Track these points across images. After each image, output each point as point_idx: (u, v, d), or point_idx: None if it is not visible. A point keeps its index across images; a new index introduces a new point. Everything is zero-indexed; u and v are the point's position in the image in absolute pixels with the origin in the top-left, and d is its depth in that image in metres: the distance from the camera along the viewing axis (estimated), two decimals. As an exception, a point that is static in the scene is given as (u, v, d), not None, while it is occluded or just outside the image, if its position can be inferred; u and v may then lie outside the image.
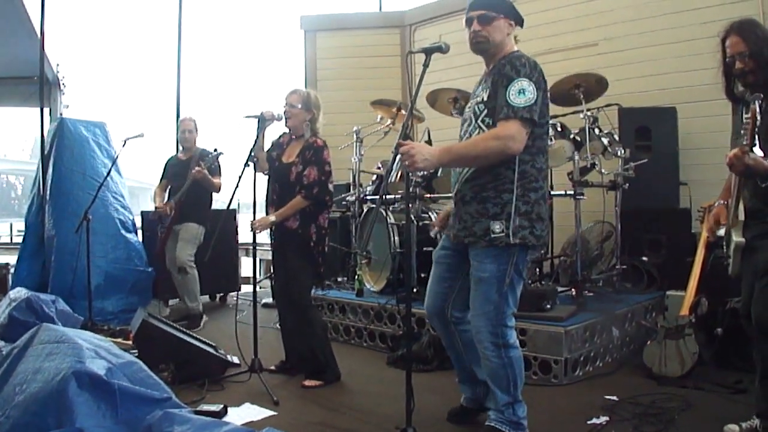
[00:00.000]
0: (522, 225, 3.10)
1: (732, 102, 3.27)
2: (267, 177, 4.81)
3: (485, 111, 3.17)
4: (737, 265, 3.19)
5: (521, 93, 3.01)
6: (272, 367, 4.81)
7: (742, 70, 3.06)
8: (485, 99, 3.19)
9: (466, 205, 3.23)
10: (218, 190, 6.51)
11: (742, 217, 3.15)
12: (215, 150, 6.13)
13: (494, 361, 3.20)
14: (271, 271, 5.12)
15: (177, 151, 7.35)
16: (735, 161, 2.83)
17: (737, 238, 3.14)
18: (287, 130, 4.80)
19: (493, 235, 3.10)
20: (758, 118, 2.84)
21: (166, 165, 6.98)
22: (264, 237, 4.94)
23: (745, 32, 3.04)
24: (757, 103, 2.85)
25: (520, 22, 3.32)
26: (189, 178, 6.32)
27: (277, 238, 4.68)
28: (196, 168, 6.21)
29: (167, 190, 6.82)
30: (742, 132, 2.83)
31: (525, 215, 3.11)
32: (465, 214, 3.23)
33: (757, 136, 2.84)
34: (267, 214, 4.68)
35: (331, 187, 4.60)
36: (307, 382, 4.50)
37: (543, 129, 3.19)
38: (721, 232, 3.33)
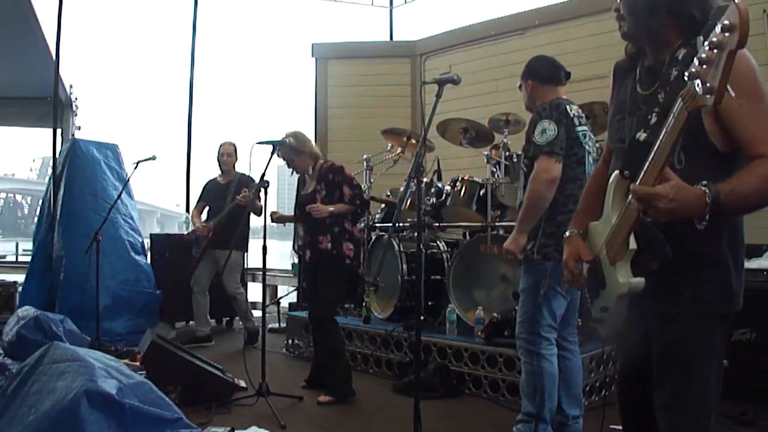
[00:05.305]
0: (546, 243, 3.47)
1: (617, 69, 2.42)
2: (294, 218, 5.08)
3: (522, 154, 3.71)
4: (617, 323, 2.08)
5: (543, 132, 3.46)
6: (303, 383, 5.01)
7: (617, 12, 2.17)
8: (525, 145, 3.70)
9: None
10: (260, 213, 6.64)
11: (633, 245, 1.95)
12: (262, 177, 6.25)
13: (526, 367, 3.56)
14: (280, 295, 5.21)
15: (201, 174, 7.46)
16: (649, 204, 1.74)
17: (626, 278, 1.96)
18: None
19: (526, 252, 3.54)
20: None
21: (204, 188, 7.12)
22: (272, 262, 5.03)
23: None
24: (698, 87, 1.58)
25: (539, 78, 3.75)
26: (229, 202, 6.46)
27: (310, 260, 4.88)
28: (243, 192, 6.28)
29: (205, 212, 6.97)
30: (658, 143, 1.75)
31: (551, 235, 3.46)
32: None
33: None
34: (296, 252, 5.18)
35: (366, 196, 4.98)
36: (322, 398, 4.65)
37: (571, 159, 3.53)
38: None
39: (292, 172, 5.07)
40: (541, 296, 3.45)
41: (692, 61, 1.64)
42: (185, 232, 7.21)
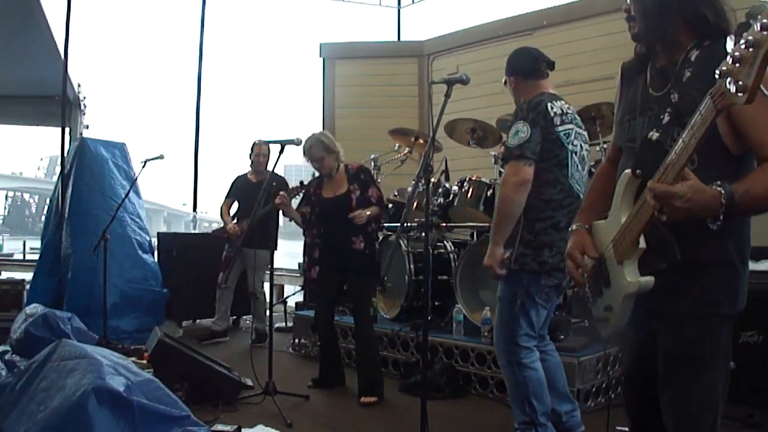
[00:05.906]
0: (524, 253, 3.31)
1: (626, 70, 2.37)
2: (308, 220, 5.12)
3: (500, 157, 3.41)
4: (622, 323, 2.01)
5: (516, 134, 3.27)
6: (310, 383, 5.00)
7: (627, 13, 2.15)
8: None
9: None
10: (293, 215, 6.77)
11: (642, 244, 1.90)
12: (301, 182, 6.31)
13: (509, 378, 3.43)
14: (287, 294, 5.24)
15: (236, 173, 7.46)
16: (665, 202, 1.71)
17: (635, 277, 1.92)
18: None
19: (504, 260, 3.33)
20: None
21: (233, 184, 7.15)
22: (278, 262, 5.05)
23: None
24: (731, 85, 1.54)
25: (520, 73, 3.56)
26: (262, 202, 6.50)
27: (337, 260, 4.89)
28: (281, 194, 6.31)
29: (234, 209, 7.04)
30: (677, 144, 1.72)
31: (527, 244, 3.31)
32: None
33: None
34: (306, 256, 5.15)
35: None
36: (365, 399, 4.65)
37: (550, 162, 3.32)
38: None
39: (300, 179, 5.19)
40: (518, 306, 3.31)
41: (705, 62, 1.64)
42: (197, 231, 7.21)
